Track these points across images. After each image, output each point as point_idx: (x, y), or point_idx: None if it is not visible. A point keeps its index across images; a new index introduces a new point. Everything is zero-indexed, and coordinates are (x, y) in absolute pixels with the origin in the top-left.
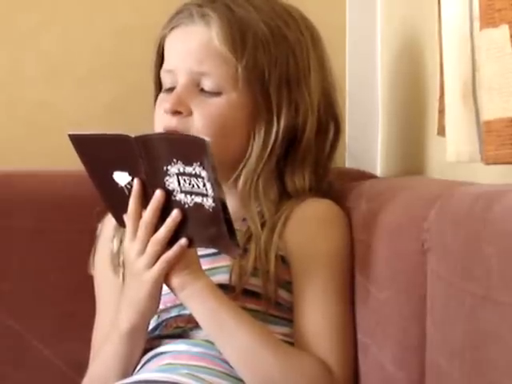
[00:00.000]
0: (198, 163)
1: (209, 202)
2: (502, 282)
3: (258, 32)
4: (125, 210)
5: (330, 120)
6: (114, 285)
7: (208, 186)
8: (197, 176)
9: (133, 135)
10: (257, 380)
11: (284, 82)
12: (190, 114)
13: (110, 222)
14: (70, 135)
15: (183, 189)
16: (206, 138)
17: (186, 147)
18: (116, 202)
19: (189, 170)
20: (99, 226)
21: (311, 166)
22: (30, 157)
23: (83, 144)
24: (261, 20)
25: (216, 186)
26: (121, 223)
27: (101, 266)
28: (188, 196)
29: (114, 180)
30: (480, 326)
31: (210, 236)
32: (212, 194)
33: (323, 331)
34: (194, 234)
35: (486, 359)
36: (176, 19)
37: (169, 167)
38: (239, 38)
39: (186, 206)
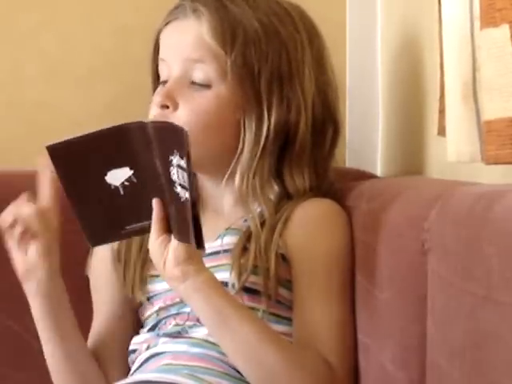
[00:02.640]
0: (186, 156)
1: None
2: (502, 282)
3: (248, 28)
4: (116, 215)
5: (327, 120)
6: (112, 287)
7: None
8: (184, 169)
9: (145, 120)
10: (259, 375)
11: (276, 78)
12: (177, 108)
13: None
14: (48, 147)
15: (180, 182)
16: (185, 128)
17: (175, 137)
18: (100, 212)
19: (181, 163)
20: None
21: (310, 165)
22: (30, 157)
23: (65, 152)
24: (253, 16)
25: (192, 179)
26: (97, 240)
27: (99, 269)
28: (183, 190)
29: (104, 183)
30: (480, 325)
31: (184, 233)
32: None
33: (323, 330)
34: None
35: (487, 359)
36: (171, 14)
37: (171, 158)
38: (229, 33)
39: (181, 199)
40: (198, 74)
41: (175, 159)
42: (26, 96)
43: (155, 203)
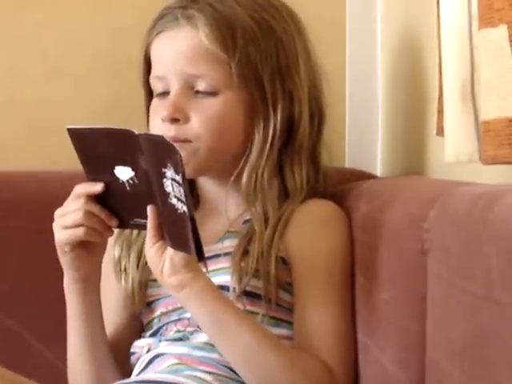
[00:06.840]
0: (181, 174)
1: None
2: (502, 282)
3: (245, 27)
4: (122, 206)
5: (317, 108)
6: (115, 291)
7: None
8: (180, 185)
9: (136, 132)
10: (259, 380)
11: (276, 73)
12: (188, 119)
13: None
14: (69, 129)
15: (175, 194)
16: (179, 151)
17: (168, 153)
18: (112, 198)
19: (177, 178)
20: None
21: (307, 157)
22: (29, 157)
23: (83, 138)
24: (246, 15)
25: (188, 196)
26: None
27: (102, 275)
28: (179, 202)
29: (114, 175)
30: (480, 325)
31: (183, 243)
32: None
33: (323, 332)
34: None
35: (486, 359)
36: (160, 24)
37: (165, 170)
38: (229, 35)
39: (178, 211)
40: (202, 84)
41: (169, 172)
42: (26, 96)
43: (150, 210)
